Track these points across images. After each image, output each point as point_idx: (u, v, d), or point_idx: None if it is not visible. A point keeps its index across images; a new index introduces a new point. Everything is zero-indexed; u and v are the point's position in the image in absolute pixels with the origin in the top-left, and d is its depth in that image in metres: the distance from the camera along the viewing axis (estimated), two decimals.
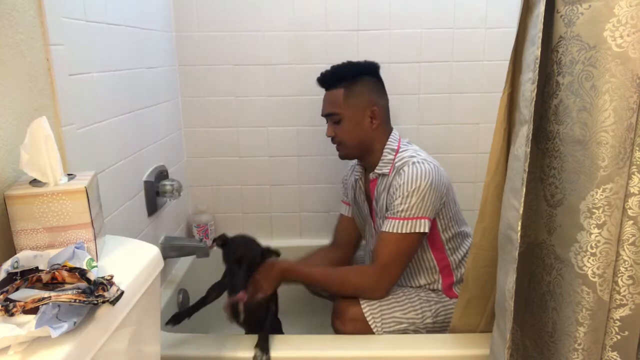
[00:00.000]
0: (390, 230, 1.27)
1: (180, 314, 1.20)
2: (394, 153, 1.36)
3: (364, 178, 1.47)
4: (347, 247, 1.56)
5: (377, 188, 1.38)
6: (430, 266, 1.37)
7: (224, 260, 1.23)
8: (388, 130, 1.41)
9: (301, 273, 1.31)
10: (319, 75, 1.43)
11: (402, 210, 1.26)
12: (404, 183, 1.27)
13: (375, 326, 1.26)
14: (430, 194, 1.26)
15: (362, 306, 1.27)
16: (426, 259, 1.37)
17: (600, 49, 0.79)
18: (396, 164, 1.33)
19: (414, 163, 1.29)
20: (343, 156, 1.44)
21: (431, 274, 1.38)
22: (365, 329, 1.26)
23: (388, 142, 1.38)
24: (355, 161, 1.51)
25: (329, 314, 1.35)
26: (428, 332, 1.31)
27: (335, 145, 1.42)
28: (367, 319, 1.26)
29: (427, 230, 1.27)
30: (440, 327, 1.32)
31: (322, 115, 1.43)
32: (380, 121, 1.38)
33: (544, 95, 0.92)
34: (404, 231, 1.26)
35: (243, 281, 1.16)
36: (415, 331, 1.30)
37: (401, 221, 1.26)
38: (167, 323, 1.17)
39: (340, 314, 1.30)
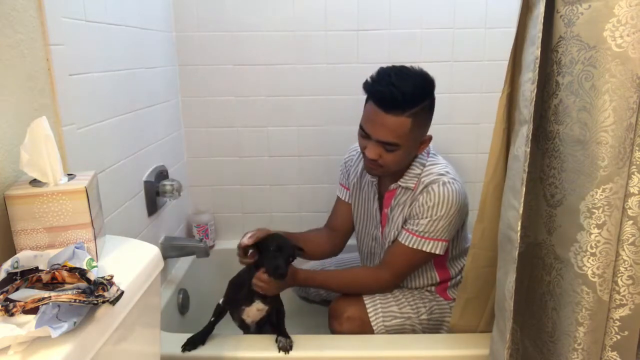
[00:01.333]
0: (410, 245, 1.27)
1: (195, 341, 1.20)
2: (422, 167, 1.29)
3: (378, 183, 1.38)
4: (342, 232, 1.53)
5: (396, 198, 1.32)
6: (431, 281, 1.38)
7: (259, 252, 1.21)
8: None
9: (317, 280, 1.35)
10: (380, 91, 1.18)
11: (427, 232, 1.25)
12: (434, 205, 1.23)
13: (377, 319, 1.28)
14: (457, 219, 1.26)
15: (366, 301, 1.31)
16: (428, 275, 1.38)
17: (600, 49, 0.79)
18: (422, 179, 1.27)
19: (444, 183, 1.24)
20: (378, 175, 1.33)
21: (427, 271, 1.38)
22: (361, 327, 1.28)
23: (419, 156, 1.30)
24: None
25: (324, 315, 1.37)
26: (423, 328, 1.32)
27: (369, 163, 1.26)
28: (369, 313, 1.29)
29: (442, 253, 1.28)
30: (435, 323, 1.34)
31: (376, 140, 1.20)
32: (426, 147, 1.29)
33: (544, 95, 0.92)
34: (422, 249, 1.26)
35: (284, 265, 1.15)
36: (412, 326, 1.31)
37: (423, 240, 1.26)
38: (183, 350, 1.18)
39: (337, 314, 1.32)
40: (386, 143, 1.20)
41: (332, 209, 1.55)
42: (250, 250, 1.25)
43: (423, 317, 1.33)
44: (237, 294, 1.24)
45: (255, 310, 1.24)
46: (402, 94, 1.15)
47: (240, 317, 1.26)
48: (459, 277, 1.38)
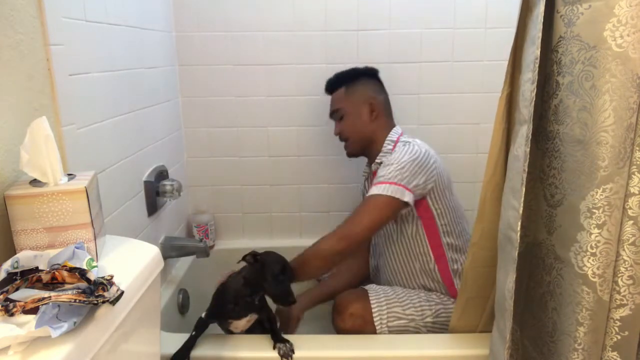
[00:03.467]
0: (370, 194, 1.28)
1: (178, 358, 1.16)
2: (393, 144, 1.40)
3: (370, 176, 1.49)
4: (363, 250, 1.56)
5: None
6: (424, 251, 1.37)
7: (257, 274, 1.18)
8: (390, 124, 1.47)
9: (300, 273, 1.26)
10: (325, 83, 1.55)
11: (382, 176, 1.29)
12: (391, 157, 1.33)
13: (380, 319, 1.28)
14: (411, 167, 1.28)
15: (371, 300, 1.31)
16: (420, 243, 1.37)
17: (600, 49, 0.79)
18: (393, 152, 1.38)
19: (404, 144, 1.36)
20: (349, 153, 1.52)
21: (425, 261, 1.38)
22: (364, 325, 1.28)
23: (389, 135, 1.43)
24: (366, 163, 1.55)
25: (323, 316, 1.37)
26: (428, 331, 1.31)
27: (343, 146, 1.52)
28: (373, 313, 1.28)
29: (403, 199, 1.25)
30: (440, 327, 1.33)
31: (329, 116, 1.54)
32: (379, 113, 1.45)
33: (544, 95, 0.92)
34: (379, 192, 1.26)
35: (290, 288, 1.17)
36: (416, 328, 1.30)
37: (380, 185, 1.28)
38: None
39: (340, 311, 1.32)
40: (333, 113, 1.52)
41: None
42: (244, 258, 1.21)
43: (428, 319, 1.32)
44: (224, 308, 1.21)
45: (245, 322, 1.22)
46: (335, 75, 1.55)
47: (227, 328, 1.25)
48: (460, 264, 1.36)
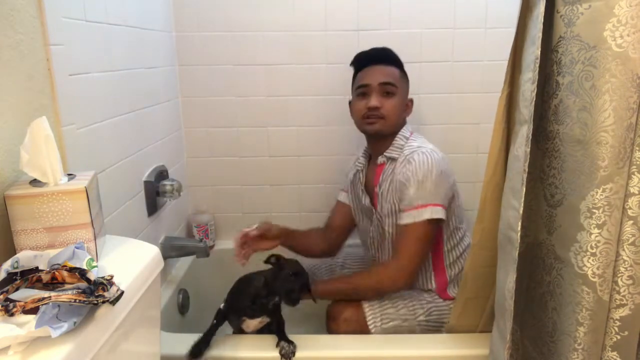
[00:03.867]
0: (408, 222, 1.27)
1: (200, 347, 1.16)
2: (405, 140, 1.38)
3: (366, 169, 1.47)
4: (339, 232, 1.57)
5: (385, 172, 1.38)
6: (427, 273, 1.38)
7: (275, 275, 1.20)
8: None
9: (332, 291, 1.34)
10: (369, 52, 1.46)
11: (418, 199, 1.27)
12: (415, 171, 1.28)
13: (374, 321, 1.28)
14: (442, 181, 1.28)
15: (363, 304, 1.30)
16: (424, 276, 1.38)
17: (600, 49, 0.79)
18: (404, 150, 1.35)
19: (423, 152, 1.31)
20: (378, 130, 1.38)
21: (424, 271, 1.38)
22: (358, 329, 1.28)
23: (402, 130, 1.40)
24: (359, 154, 1.52)
25: (322, 318, 1.37)
26: (422, 329, 1.32)
27: (372, 119, 1.37)
28: (367, 316, 1.28)
29: (443, 217, 1.27)
30: (434, 325, 1.33)
31: (377, 84, 1.36)
32: (410, 112, 1.45)
33: (544, 95, 0.92)
34: (421, 219, 1.26)
35: (298, 291, 1.18)
36: (409, 328, 1.31)
37: (417, 210, 1.27)
38: (190, 357, 1.16)
39: (334, 316, 1.32)
40: (386, 83, 1.37)
41: (331, 210, 1.61)
42: (272, 259, 1.24)
43: (421, 318, 1.32)
44: (241, 305, 1.22)
45: (257, 323, 1.23)
46: (386, 50, 1.45)
47: (239, 326, 1.25)
48: (456, 270, 1.38)
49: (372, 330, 1.28)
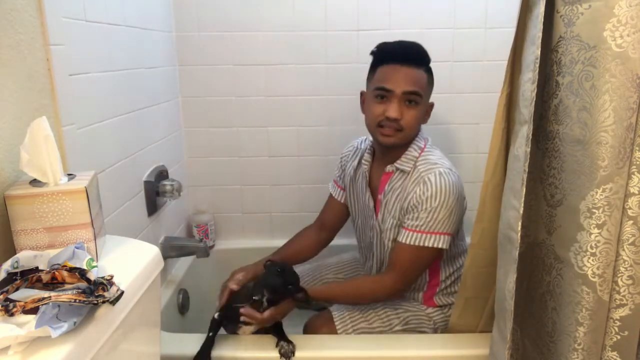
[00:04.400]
0: (411, 243, 1.22)
1: (202, 355, 1.16)
2: (419, 151, 1.28)
3: (370, 170, 1.38)
4: (331, 229, 1.53)
5: (391, 183, 1.30)
6: (420, 282, 1.36)
7: (268, 272, 1.22)
8: None
9: (323, 296, 1.31)
10: (396, 48, 1.27)
11: (427, 225, 1.21)
12: (431, 195, 1.20)
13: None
14: (457, 209, 1.22)
15: (335, 321, 1.29)
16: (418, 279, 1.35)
17: (600, 49, 0.79)
18: (418, 165, 1.26)
19: (440, 174, 1.21)
20: (394, 143, 1.27)
21: (417, 290, 1.37)
22: None
23: (416, 139, 1.29)
24: (359, 145, 1.46)
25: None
26: None
27: (388, 130, 1.25)
28: (339, 331, 1.27)
29: (446, 247, 1.23)
30: (412, 333, 1.31)
31: (400, 92, 1.22)
32: (427, 120, 1.33)
33: (544, 95, 0.92)
34: (424, 244, 1.21)
35: (281, 292, 1.19)
36: None
37: (424, 235, 1.21)
38: None
39: (311, 331, 1.32)
40: (410, 93, 1.22)
41: (324, 205, 1.57)
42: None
43: (397, 328, 1.30)
44: (236, 311, 1.21)
45: (253, 328, 1.23)
46: (416, 47, 1.26)
47: (235, 332, 1.25)
48: (448, 282, 1.36)
49: None
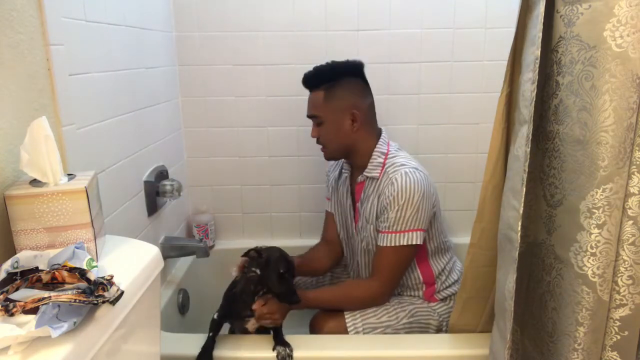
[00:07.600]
0: (387, 244, 1.28)
1: (204, 356, 1.17)
2: (384, 157, 1.34)
3: (350, 178, 1.46)
4: (337, 242, 1.56)
5: (365, 191, 1.37)
6: (416, 282, 1.39)
7: (262, 269, 1.21)
8: (374, 131, 1.39)
9: (311, 300, 1.31)
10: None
11: (398, 224, 1.26)
12: (397, 194, 1.26)
13: (357, 333, 1.28)
14: (424, 204, 1.27)
15: (345, 315, 1.30)
16: (413, 276, 1.38)
17: (600, 49, 0.79)
18: (387, 169, 1.32)
19: (406, 173, 1.27)
20: (327, 157, 1.43)
21: (415, 289, 1.39)
22: None
23: (377, 146, 1.36)
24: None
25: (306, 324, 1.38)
26: (407, 332, 1.32)
27: (320, 147, 1.42)
28: (348, 327, 1.28)
29: (420, 242, 1.29)
30: (418, 325, 1.34)
31: (307, 116, 1.41)
32: (362, 124, 1.34)
33: (544, 95, 0.92)
34: (400, 244, 1.27)
35: (294, 287, 1.21)
36: (394, 332, 1.31)
37: (397, 235, 1.27)
38: None
39: (316, 329, 1.33)
40: (310, 116, 1.40)
41: (324, 223, 1.61)
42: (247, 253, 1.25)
43: (404, 321, 1.32)
44: (237, 307, 1.22)
45: (254, 321, 1.23)
46: (314, 69, 1.38)
47: (243, 326, 1.25)
48: (443, 277, 1.39)
49: None
